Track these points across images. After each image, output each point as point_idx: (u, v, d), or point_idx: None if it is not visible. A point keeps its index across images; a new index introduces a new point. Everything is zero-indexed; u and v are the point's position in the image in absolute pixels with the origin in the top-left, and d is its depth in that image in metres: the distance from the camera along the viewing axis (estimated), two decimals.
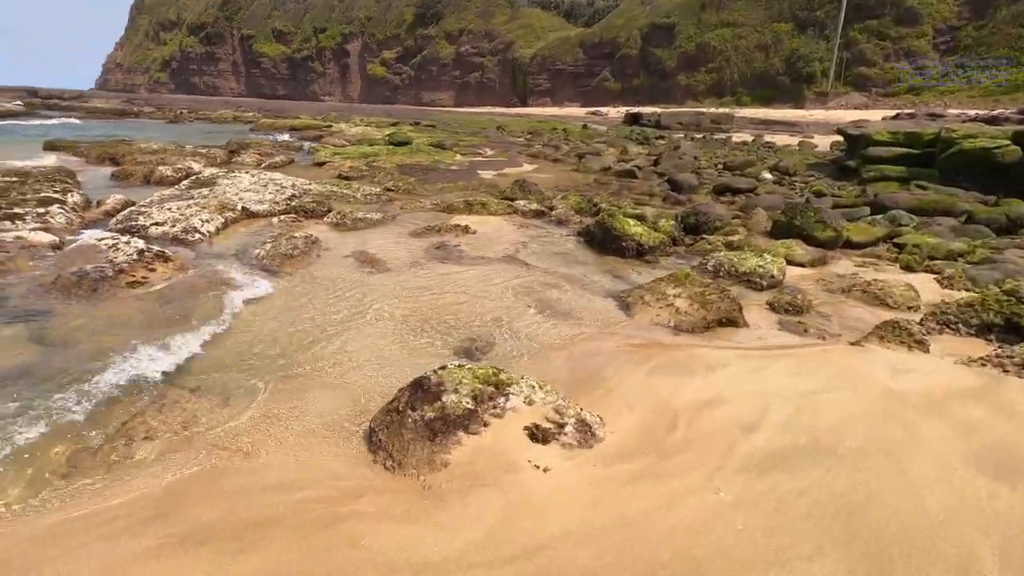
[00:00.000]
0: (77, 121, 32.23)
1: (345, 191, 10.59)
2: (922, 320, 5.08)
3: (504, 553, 2.33)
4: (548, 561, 2.28)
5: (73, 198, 8.72)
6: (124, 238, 6.48)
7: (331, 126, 28.74)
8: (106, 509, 2.55)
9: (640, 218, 8.52)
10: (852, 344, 4.50)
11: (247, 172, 11.12)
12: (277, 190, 9.70)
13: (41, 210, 7.74)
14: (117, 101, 58.41)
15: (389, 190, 11.42)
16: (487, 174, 14.99)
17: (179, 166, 12.52)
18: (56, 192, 8.76)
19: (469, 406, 3.13)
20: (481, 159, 18.72)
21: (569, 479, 2.78)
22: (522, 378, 3.48)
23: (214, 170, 11.76)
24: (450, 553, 2.33)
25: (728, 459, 2.92)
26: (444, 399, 3.15)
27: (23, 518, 2.52)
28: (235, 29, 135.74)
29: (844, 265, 7.29)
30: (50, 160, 13.60)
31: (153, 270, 5.89)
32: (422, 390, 3.24)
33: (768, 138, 29.08)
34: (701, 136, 31.73)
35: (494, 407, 3.19)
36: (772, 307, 5.56)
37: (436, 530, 2.45)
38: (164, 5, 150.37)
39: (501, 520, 2.50)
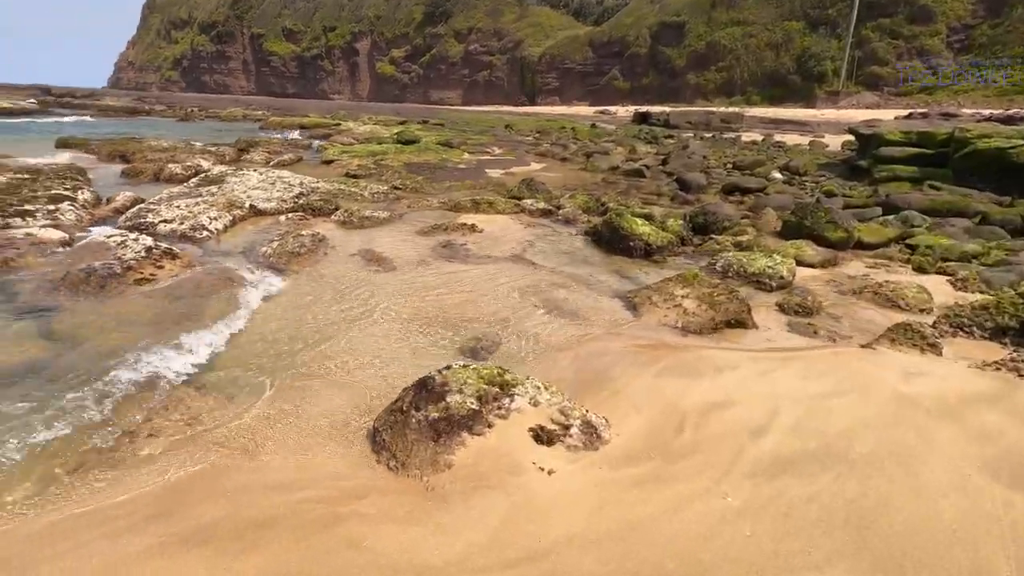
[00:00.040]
0: (90, 119, 32.57)
1: (352, 189, 10.59)
2: (935, 323, 4.99)
3: (507, 556, 2.30)
4: (552, 566, 2.25)
5: (83, 195, 8.78)
6: (133, 235, 6.52)
7: (340, 124, 28.81)
8: (109, 507, 2.55)
9: (648, 217, 8.46)
10: (863, 347, 4.43)
11: (255, 170, 11.16)
12: (285, 188, 9.72)
13: (52, 207, 7.79)
14: (129, 99, 58.95)
15: (396, 188, 11.42)
16: (495, 173, 14.95)
17: (188, 164, 12.59)
18: (67, 189, 8.82)
19: (473, 407, 3.10)
20: (489, 158, 18.68)
21: (574, 482, 2.74)
22: (527, 379, 3.44)
23: (223, 168, 11.82)
24: (452, 556, 2.30)
25: (736, 463, 2.87)
26: (448, 399, 3.13)
27: (26, 516, 2.52)
28: (245, 28, 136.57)
29: (855, 266, 7.20)
30: (62, 157, 13.72)
31: (161, 267, 5.91)
32: (426, 390, 3.22)
33: (778, 137, 28.83)
34: (710, 135, 31.52)
35: (499, 408, 3.16)
36: (782, 308, 5.49)
37: (439, 532, 2.42)
38: (176, 4, 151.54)
39: (504, 523, 2.47)
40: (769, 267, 6.30)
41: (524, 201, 9.94)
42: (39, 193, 8.39)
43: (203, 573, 2.16)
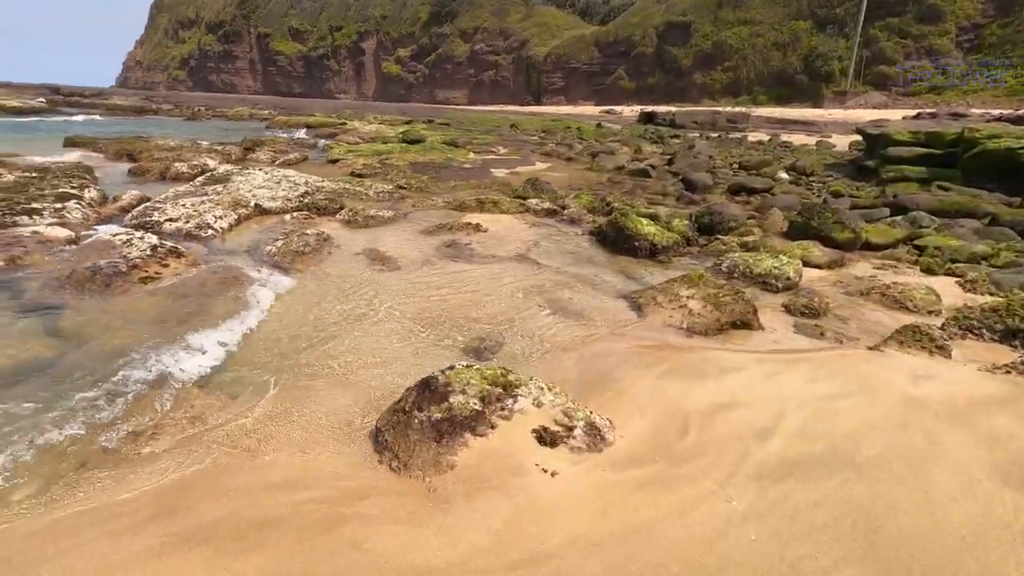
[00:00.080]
0: (100, 118, 32.80)
1: (357, 188, 10.59)
2: (944, 325, 4.93)
3: (510, 559, 2.28)
4: (554, 569, 2.22)
5: (90, 194, 8.82)
6: (138, 234, 6.54)
7: (345, 124, 28.86)
8: (111, 506, 2.55)
9: (653, 217, 8.42)
10: (871, 348, 4.38)
11: (261, 169, 11.19)
12: (290, 187, 9.73)
13: (58, 205, 7.82)
14: (136, 98, 59.33)
15: (401, 188, 11.42)
16: (500, 172, 14.94)
17: (195, 163, 12.63)
18: (74, 188, 8.86)
19: (476, 407, 3.08)
20: (494, 157, 18.67)
21: (577, 484, 2.72)
22: (531, 379, 3.42)
23: (229, 167, 11.85)
24: (454, 558, 2.28)
25: (741, 466, 2.84)
26: (451, 400, 3.11)
27: (28, 514, 2.52)
28: (252, 27, 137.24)
29: (862, 267, 7.14)
30: (70, 156, 13.79)
31: (166, 266, 5.92)
32: (429, 390, 3.20)
33: (785, 137, 28.69)
34: (716, 135, 31.39)
35: (502, 409, 3.14)
36: (788, 309, 5.44)
37: (441, 534, 2.40)
38: (183, 4, 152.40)
39: (507, 525, 2.45)
40: (775, 268, 6.26)
41: (529, 201, 9.92)
42: (46, 191, 8.43)
43: (203, 573, 2.15)
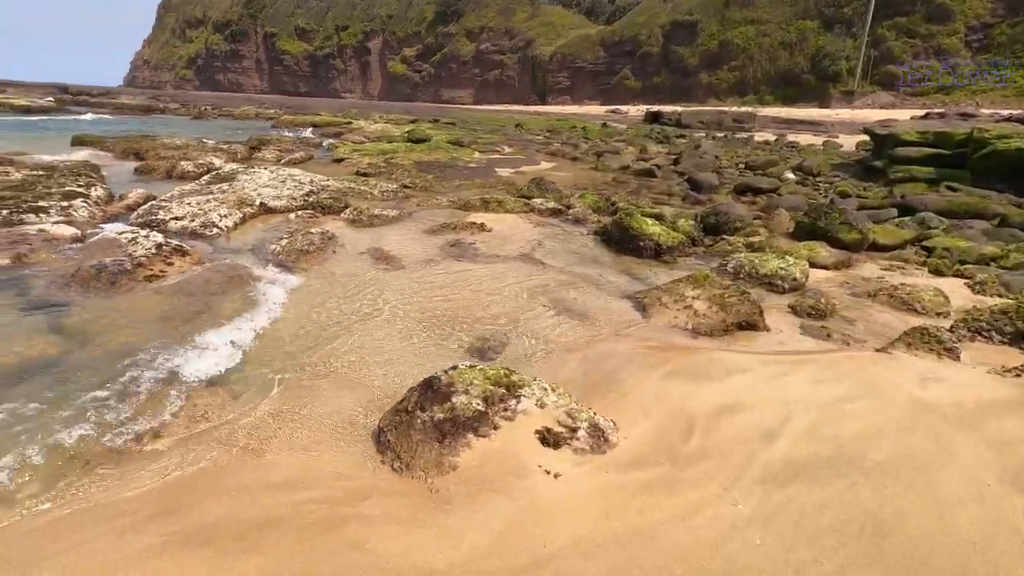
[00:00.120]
0: (109, 116, 33.03)
1: (362, 188, 10.59)
2: (952, 327, 4.87)
3: (512, 562, 2.26)
4: (557, 572, 2.20)
5: (96, 192, 8.85)
6: (143, 232, 6.56)
7: (351, 123, 28.93)
8: (112, 504, 2.54)
9: (658, 217, 8.38)
10: (878, 351, 4.33)
11: (266, 168, 11.21)
12: (295, 186, 9.75)
13: (65, 203, 7.86)
14: (144, 97, 59.65)
15: (406, 187, 11.42)
16: (504, 172, 14.91)
17: (200, 161, 12.67)
18: (80, 186, 8.90)
19: (479, 408, 3.07)
20: (499, 157, 18.65)
21: (580, 486, 2.70)
22: (534, 380, 3.40)
23: (234, 165, 11.88)
24: (456, 560, 2.26)
25: (746, 469, 2.81)
26: (454, 400, 3.09)
27: (29, 512, 2.52)
28: (259, 27, 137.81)
29: (870, 268, 7.08)
30: (77, 155, 13.88)
31: (171, 264, 5.94)
32: (432, 390, 3.19)
33: (791, 137, 28.54)
34: (722, 135, 31.27)
35: (505, 409, 3.12)
36: (794, 311, 5.40)
37: (442, 535, 2.39)
38: (191, 3, 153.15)
39: (509, 527, 2.43)
40: (781, 268, 6.21)
41: (534, 200, 9.90)
42: (53, 190, 8.47)
43: (204, 573, 2.14)
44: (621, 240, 7.50)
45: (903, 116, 35.95)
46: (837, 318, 5.29)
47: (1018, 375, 3.82)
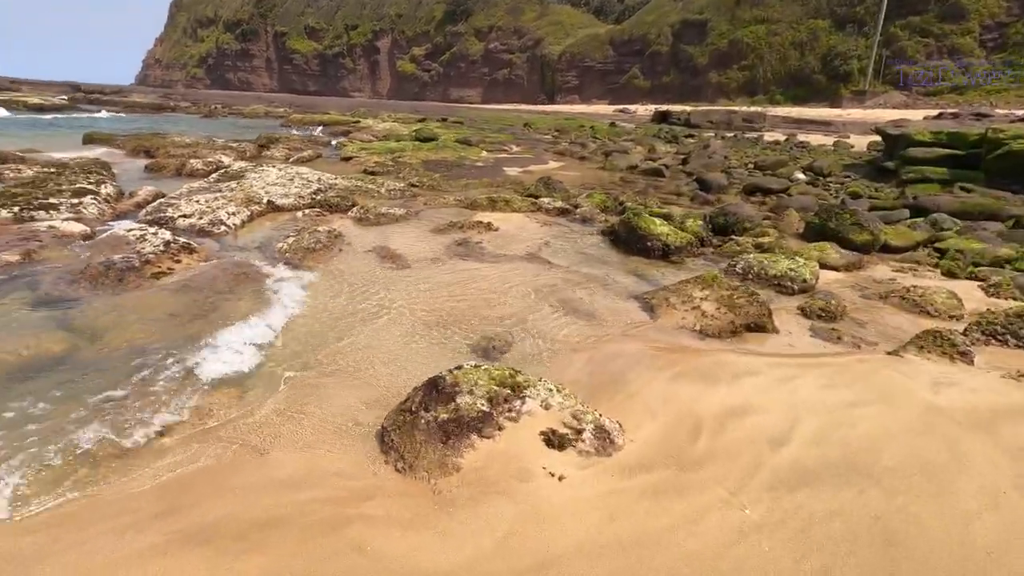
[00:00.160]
0: (122, 114, 33.39)
1: (370, 186, 10.60)
2: (966, 330, 4.79)
3: (515, 565, 2.23)
4: None
5: (106, 189, 8.91)
6: (152, 229, 6.58)
7: (359, 122, 28.99)
8: (114, 503, 2.53)
9: (667, 217, 8.32)
10: (889, 354, 4.26)
11: (275, 166, 11.24)
12: (303, 184, 9.76)
13: (75, 201, 7.92)
14: (155, 96, 60.19)
15: (413, 186, 11.41)
16: (512, 171, 14.88)
17: (210, 159, 12.74)
18: (90, 183, 8.96)
19: (484, 408, 3.04)
20: (506, 156, 18.62)
21: (585, 489, 2.66)
22: (540, 380, 3.37)
23: (243, 164, 11.93)
24: (458, 563, 2.24)
25: (754, 474, 2.76)
26: (458, 400, 3.06)
27: (31, 510, 2.52)
28: (269, 26, 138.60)
29: (881, 270, 6.98)
30: (88, 152, 14.00)
31: (178, 261, 5.95)
32: (436, 390, 3.16)
33: (802, 137, 28.29)
34: (732, 135, 31.06)
35: (509, 410, 3.09)
36: (804, 312, 5.33)
37: (445, 538, 2.36)
38: (202, 3, 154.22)
39: (513, 530, 2.40)
40: (791, 269, 6.14)
41: (541, 199, 9.86)
42: (63, 187, 8.53)
43: (205, 573, 2.13)
44: (629, 240, 7.45)
45: (916, 116, 35.60)
46: (848, 320, 5.22)
47: None
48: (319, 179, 10.23)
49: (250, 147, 15.81)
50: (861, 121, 38.72)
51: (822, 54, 67.75)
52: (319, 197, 9.24)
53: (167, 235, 6.36)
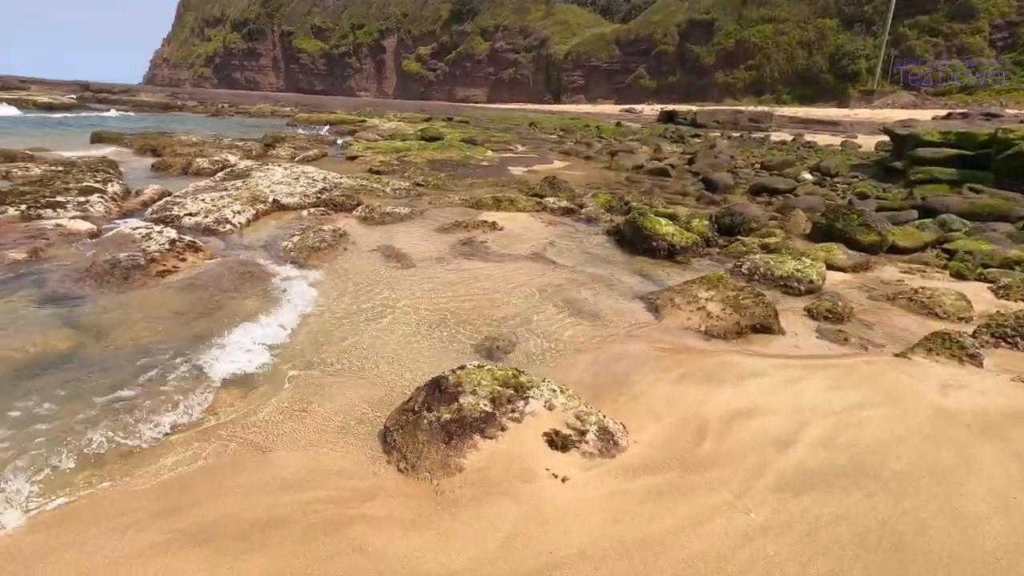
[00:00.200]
0: (131, 113, 33.62)
1: (375, 185, 10.61)
2: (975, 332, 4.73)
3: (517, 568, 2.21)
4: None
5: (113, 188, 8.95)
6: (157, 227, 6.60)
7: (365, 121, 29.05)
8: (116, 501, 2.53)
9: (672, 217, 8.28)
10: (897, 356, 4.22)
11: (280, 165, 11.26)
12: (308, 183, 9.78)
13: (82, 199, 7.96)
14: (162, 95, 60.57)
15: (418, 185, 11.41)
16: (517, 170, 14.86)
17: (216, 158, 12.78)
18: (97, 182, 9.00)
19: (487, 409, 3.02)
20: (512, 155, 18.60)
21: (588, 491, 2.64)
22: (543, 381, 3.35)
23: (249, 162, 11.96)
24: (460, 565, 2.22)
25: (760, 477, 2.73)
26: (461, 400, 3.05)
27: (33, 508, 2.52)
28: (276, 25, 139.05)
29: (889, 271, 6.92)
30: (96, 151, 14.08)
31: (184, 260, 5.97)
32: (439, 390, 3.15)
33: (809, 137, 28.14)
34: (738, 135, 30.92)
35: (513, 411, 3.08)
36: (810, 314, 5.28)
37: (446, 539, 2.35)
38: (209, 2, 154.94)
39: (515, 532, 2.38)
40: (798, 270, 6.09)
41: (546, 199, 9.83)
42: (71, 185, 8.58)
43: (205, 573, 2.12)
44: (634, 240, 7.41)
45: (924, 116, 35.32)
46: (855, 322, 5.17)
47: None
48: (324, 178, 10.24)
49: (256, 146, 15.86)
50: (869, 121, 38.47)
51: (830, 53, 67.35)
52: (324, 196, 9.25)
53: (172, 233, 6.38)
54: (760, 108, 52.93)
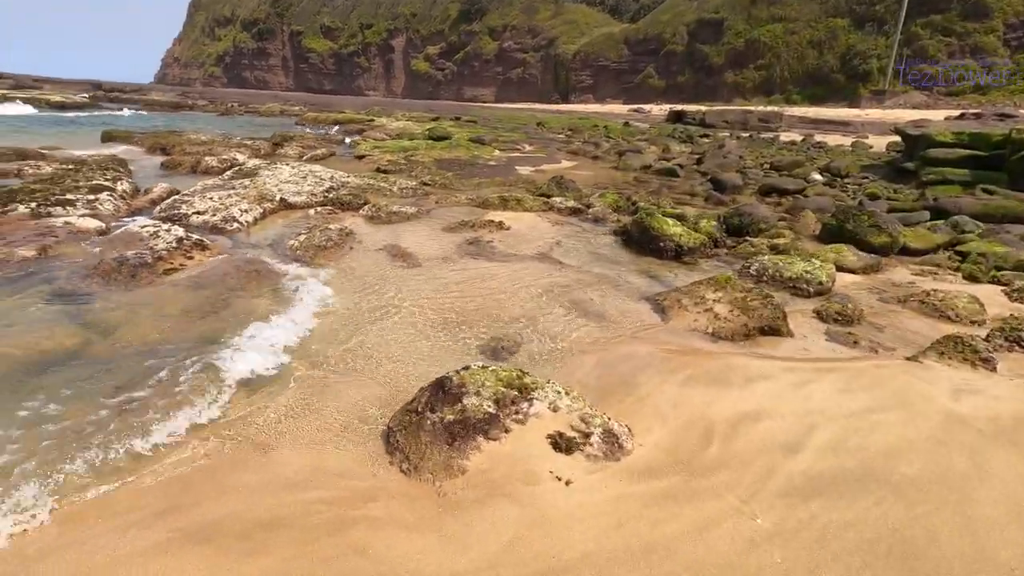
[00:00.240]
0: (143, 112, 33.95)
1: (382, 184, 10.61)
2: (988, 336, 4.65)
3: (519, 573, 2.18)
4: None
5: (122, 186, 9.01)
6: (165, 226, 6.63)
7: (373, 120, 29.11)
8: (117, 501, 2.53)
9: (680, 218, 8.22)
10: (908, 359, 4.15)
11: (288, 164, 11.30)
12: (316, 182, 9.80)
13: (91, 197, 8.01)
14: (173, 94, 61.02)
15: (425, 184, 11.41)
16: (524, 170, 14.83)
17: (224, 157, 12.85)
18: (107, 180, 9.07)
19: (491, 410, 3.00)
20: (519, 155, 18.56)
21: (592, 494, 2.61)
22: (548, 382, 3.32)
23: (257, 161, 12.01)
24: (461, 568, 2.20)
25: (767, 481, 2.69)
26: (465, 401, 3.03)
27: (35, 507, 2.52)
28: (285, 25, 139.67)
29: (900, 273, 6.83)
30: (106, 150, 14.19)
31: (191, 258, 5.99)
32: (443, 391, 3.13)
33: (819, 138, 27.90)
34: (747, 135, 30.72)
35: (517, 412, 3.05)
36: (820, 316, 5.22)
37: (448, 542, 2.32)
38: (220, 2, 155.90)
39: (518, 536, 2.35)
40: (807, 272, 6.02)
41: (553, 199, 9.79)
42: (81, 183, 8.64)
43: (206, 573, 2.11)
44: (641, 240, 7.36)
45: (937, 116, 34.95)
46: (865, 324, 5.10)
47: None
48: (332, 177, 10.26)
49: (264, 145, 15.93)
50: (880, 121, 38.08)
51: (841, 53, 66.71)
52: (331, 195, 9.27)
53: (180, 232, 6.40)
54: (770, 108, 52.54)
